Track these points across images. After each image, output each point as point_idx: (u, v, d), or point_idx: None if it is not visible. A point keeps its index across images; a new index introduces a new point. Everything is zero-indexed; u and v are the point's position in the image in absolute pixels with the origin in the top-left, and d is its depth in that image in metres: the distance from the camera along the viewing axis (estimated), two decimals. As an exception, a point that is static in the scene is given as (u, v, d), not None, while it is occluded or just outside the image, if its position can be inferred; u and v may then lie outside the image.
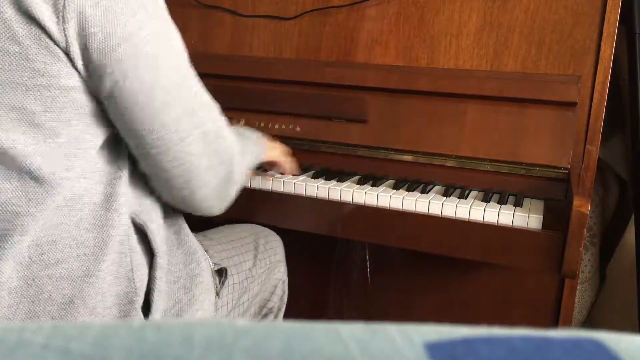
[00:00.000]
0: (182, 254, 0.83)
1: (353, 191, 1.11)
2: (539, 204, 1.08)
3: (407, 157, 1.22)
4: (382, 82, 1.25)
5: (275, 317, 1.17)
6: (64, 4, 0.61)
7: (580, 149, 1.17)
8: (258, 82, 1.36)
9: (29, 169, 0.64)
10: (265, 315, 1.15)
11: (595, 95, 1.16)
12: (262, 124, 1.33)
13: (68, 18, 0.61)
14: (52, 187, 0.65)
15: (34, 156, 0.64)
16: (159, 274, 0.76)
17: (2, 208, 0.65)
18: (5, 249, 0.65)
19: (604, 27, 1.14)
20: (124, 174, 0.73)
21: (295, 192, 1.16)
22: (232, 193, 0.84)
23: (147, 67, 0.66)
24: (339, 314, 1.53)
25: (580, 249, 0.92)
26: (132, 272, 0.73)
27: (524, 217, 1.00)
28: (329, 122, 1.28)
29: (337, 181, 1.18)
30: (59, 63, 0.63)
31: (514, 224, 1.01)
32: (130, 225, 0.74)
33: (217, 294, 0.93)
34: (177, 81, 0.70)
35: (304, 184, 1.15)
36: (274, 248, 1.14)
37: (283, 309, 1.19)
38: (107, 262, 0.70)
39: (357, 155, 1.26)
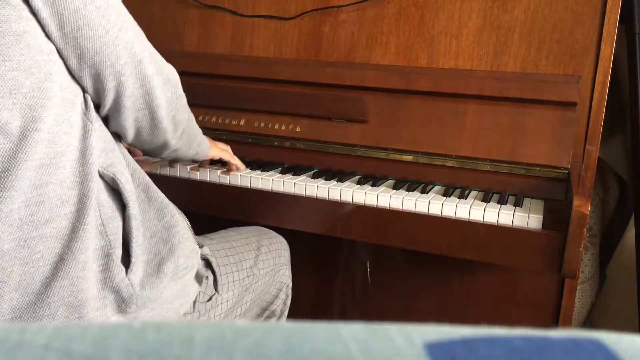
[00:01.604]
0: (154, 210, 0.84)
1: (353, 191, 1.11)
2: (539, 204, 1.08)
3: (407, 157, 1.22)
4: (382, 82, 1.25)
5: (278, 320, 1.17)
6: None
7: (580, 149, 1.17)
8: (258, 82, 1.36)
9: None
10: (268, 318, 1.15)
11: (595, 95, 1.16)
12: (262, 124, 1.33)
13: None
14: (21, 140, 0.65)
15: (1, 111, 0.64)
16: (134, 224, 0.77)
17: None
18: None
19: (604, 27, 1.14)
20: (95, 127, 0.75)
21: (295, 192, 1.16)
22: (183, 119, 0.90)
23: None
24: (339, 314, 1.53)
25: (580, 249, 0.92)
26: (103, 225, 0.74)
27: (524, 217, 1.00)
28: (329, 122, 1.28)
29: (337, 181, 1.18)
30: (7, 7, 0.63)
31: (514, 224, 1.01)
32: (98, 179, 0.75)
33: (207, 278, 0.94)
34: (121, 9, 0.74)
35: (304, 184, 1.15)
36: (278, 250, 1.14)
37: (286, 313, 1.19)
38: (90, 215, 0.72)
39: (357, 155, 1.26)
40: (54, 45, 0.69)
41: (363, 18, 1.34)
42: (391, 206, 1.09)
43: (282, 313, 1.17)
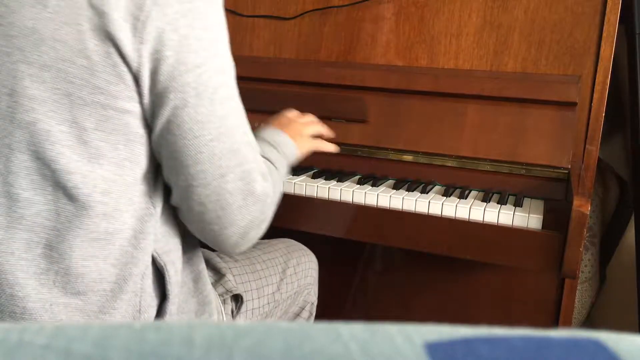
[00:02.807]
0: (196, 303, 0.81)
1: (353, 191, 1.11)
2: (539, 204, 1.08)
3: (407, 157, 1.22)
4: (382, 82, 1.25)
5: None
6: (144, 24, 0.62)
7: (580, 149, 1.17)
8: (258, 82, 1.36)
9: (65, 186, 0.64)
10: None
11: (595, 95, 1.16)
12: (262, 124, 1.33)
13: (146, 39, 0.62)
14: (84, 208, 0.65)
15: (74, 174, 0.64)
16: (168, 319, 0.74)
17: (31, 219, 0.64)
18: (29, 260, 0.65)
19: (604, 27, 1.14)
20: (156, 212, 0.72)
21: (295, 192, 1.16)
22: (258, 234, 0.81)
23: (207, 99, 0.67)
24: (339, 314, 1.53)
25: (580, 249, 0.92)
26: (140, 313, 0.72)
27: (524, 217, 1.00)
28: (329, 122, 1.28)
29: (337, 181, 1.18)
30: (122, 84, 0.64)
31: (514, 224, 1.01)
32: (150, 264, 0.73)
33: (233, 319, 0.91)
34: (229, 117, 0.70)
35: (304, 184, 1.15)
36: (306, 270, 1.09)
37: None
38: (123, 300, 0.69)
39: (357, 155, 1.26)
40: (147, 129, 0.68)
41: (363, 18, 1.34)
42: (391, 206, 1.09)
43: None
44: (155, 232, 0.72)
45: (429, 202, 1.06)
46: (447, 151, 1.19)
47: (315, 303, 1.14)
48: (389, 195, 1.09)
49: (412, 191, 1.12)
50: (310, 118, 1.09)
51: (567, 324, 1.26)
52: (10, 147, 0.64)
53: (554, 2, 1.18)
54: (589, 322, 1.63)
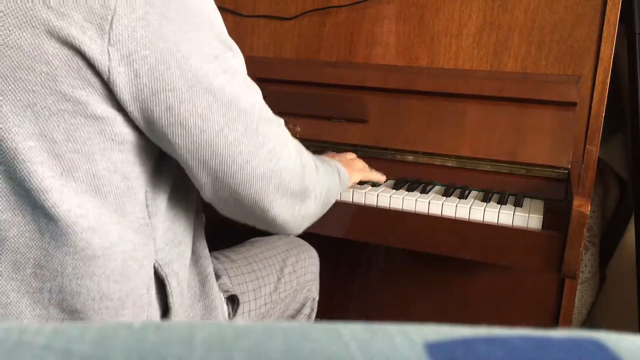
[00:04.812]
0: (202, 307, 0.79)
1: (353, 191, 1.11)
2: (539, 204, 1.08)
3: (407, 157, 1.22)
4: (382, 82, 1.25)
5: None
6: (111, 24, 0.56)
7: (580, 149, 1.17)
8: (258, 82, 1.35)
9: (43, 205, 0.60)
10: None
11: (595, 95, 1.16)
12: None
13: (115, 39, 0.56)
14: (67, 225, 0.61)
15: (50, 192, 0.59)
16: None
17: (14, 240, 0.61)
18: (18, 280, 0.62)
19: (604, 27, 1.14)
20: (154, 221, 0.68)
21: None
22: (310, 210, 0.77)
23: (202, 90, 0.62)
24: (340, 314, 1.53)
25: (580, 249, 0.92)
26: None
27: (524, 217, 1.00)
28: (329, 122, 1.28)
29: (337, 181, 1.18)
30: (89, 88, 0.58)
31: (514, 224, 1.01)
32: (152, 276, 0.70)
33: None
34: (236, 101, 0.65)
35: (304, 184, 1.15)
36: (305, 267, 1.07)
37: None
38: (125, 316, 0.67)
39: (357, 155, 1.26)
40: (137, 134, 0.64)
41: (363, 18, 1.34)
42: (391, 206, 1.09)
43: None
44: (156, 242, 0.69)
45: (429, 202, 1.06)
46: (447, 151, 1.19)
47: (317, 299, 1.13)
48: (389, 195, 1.09)
49: (412, 191, 1.12)
50: (352, 155, 1.12)
51: (567, 324, 1.26)
52: None
53: (554, 2, 1.18)
54: (589, 322, 1.63)
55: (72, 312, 0.64)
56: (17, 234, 0.61)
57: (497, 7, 1.23)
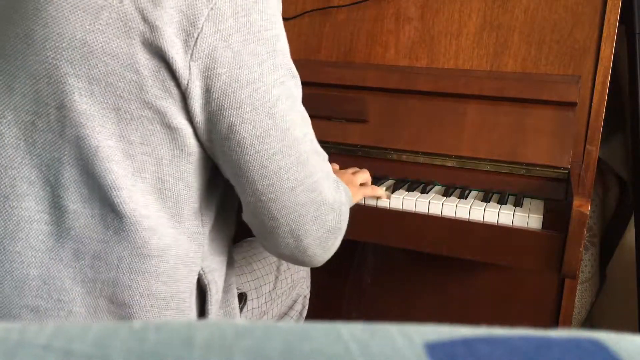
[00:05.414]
0: (223, 315, 0.82)
1: (353, 191, 1.11)
2: (539, 204, 1.08)
3: (407, 157, 1.22)
4: (382, 82, 1.25)
5: None
6: (196, 41, 0.61)
7: (580, 149, 1.17)
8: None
9: (112, 202, 0.64)
10: None
11: (595, 95, 1.16)
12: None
13: (197, 56, 0.61)
14: (131, 223, 0.64)
15: (121, 190, 0.64)
16: None
17: (80, 230, 0.64)
18: (77, 269, 0.65)
19: (604, 27, 1.14)
20: (205, 230, 0.72)
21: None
22: (337, 243, 0.81)
23: (265, 114, 0.66)
24: (340, 314, 1.53)
25: (580, 249, 0.92)
26: None
27: (524, 217, 1.00)
28: (329, 122, 1.28)
29: (337, 181, 1.18)
30: (170, 99, 0.63)
31: (514, 224, 1.01)
32: (196, 282, 0.73)
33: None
34: (292, 129, 0.69)
35: (304, 184, 1.15)
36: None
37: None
38: (167, 317, 0.69)
39: (357, 155, 1.26)
40: (201, 147, 0.67)
41: (363, 18, 1.34)
42: (391, 206, 1.09)
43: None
44: (203, 250, 0.72)
45: (429, 202, 1.06)
46: (447, 151, 1.19)
47: (308, 296, 1.15)
48: (389, 195, 1.09)
49: (412, 191, 1.12)
50: (354, 169, 1.11)
51: (567, 324, 1.26)
52: (60, 161, 0.64)
53: (554, 2, 1.18)
54: (589, 322, 1.63)
55: (119, 305, 0.67)
56: (83, 225, 0.65)
57: (497, 7, 1.23)
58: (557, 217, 1.00)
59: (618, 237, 1.56)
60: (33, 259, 0.64)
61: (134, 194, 0.64)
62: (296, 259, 0.77)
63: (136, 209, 0.64)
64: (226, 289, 0.82)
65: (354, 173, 1.08)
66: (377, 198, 1.10)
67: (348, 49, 1.36)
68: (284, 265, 1.06)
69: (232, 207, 0.79)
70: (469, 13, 1.25)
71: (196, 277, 0.72)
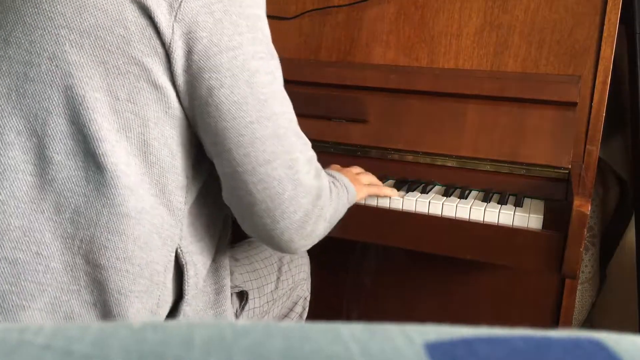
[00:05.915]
0: (213, 315, 0.82)
1: (353, 191, 1.11)
2: (539, 204, 1.08)
3: (407, 157, 1.22)
4: (382, 82, 1.25)
5: None
6: (180, 4, 0.64)
7: (581, 149, 1.17)
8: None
9: (95, 153, 0.65)
10: None
11: (596, 95, 1.16)
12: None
13: (180, 17, 0.65)
14: (111, 177, 0.66)
15: (104, 142, 0.65)
16: (181, 319, 0.74)
17: (62, 183, 0.65)
18: (57, 223, 0.66)
19: (604, 27, 1.14)
20: (186, 207, 0.73)
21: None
22: (318, 232, 0.79)
23: (243, 81, 0.67)
24: (340, 315, 1.53)
25: (580, 249, 0.92)
26: (157, 307, 0.73)
27: (524, 217, 1.00)
28: (329, 122, 1.28)
29: (337, 181, 1.18)
30: (155, 57, 0.65)
31: (514, 224, 1.01)
32: (172, 260, 0.73)
33: (237, 318, 0.91)
34: (271, 102, 0.70)
35: (304, 184, 1.15)
36: (299, 266, 1.09)
37: None
38: (140, 285, 0.70)
39: (357, 155, 1.26)
40: (183, 113, 0.69)
41: (363, 18, 1.34)
42: (391, 206, 1.09)
43: None
44: (182, 228, 0.73)
45: (429, 202, 1.06)
46: (448, 151, 1.19)
47: (309, 298, 1.15)
48: (389, 195, 1.09)
49: (412, 191, 1.12)
50: (358, 169, 1.10)
51: (567, 324, 1.26)
52: (48, 111, 0.65)
53: (554, 2, 1.18)
54: (589, 322, 1.63)
55: (95, 267, 0.67)
56: (66, 177, 0.66)
57: (497, 7, 1.23)
58: (557, 217, 1.00)
59: (618, 237, 1.56)
60: (15, 209, 0.65)
61: (117, 149, 0.66)
62: (274, 243, 0.77)
63: (117, 164, 0.66)
64: (218, 291, 0.82)
65: (357, 174, 1.07)
66: (385, 197, 1.09)
67: (348, 49, 1.36)
68: (286, 266, 1.05)
69: (217, 196, 0.79)
70: (469, 13, 1.25)
71: (172, 253, 0.73)
